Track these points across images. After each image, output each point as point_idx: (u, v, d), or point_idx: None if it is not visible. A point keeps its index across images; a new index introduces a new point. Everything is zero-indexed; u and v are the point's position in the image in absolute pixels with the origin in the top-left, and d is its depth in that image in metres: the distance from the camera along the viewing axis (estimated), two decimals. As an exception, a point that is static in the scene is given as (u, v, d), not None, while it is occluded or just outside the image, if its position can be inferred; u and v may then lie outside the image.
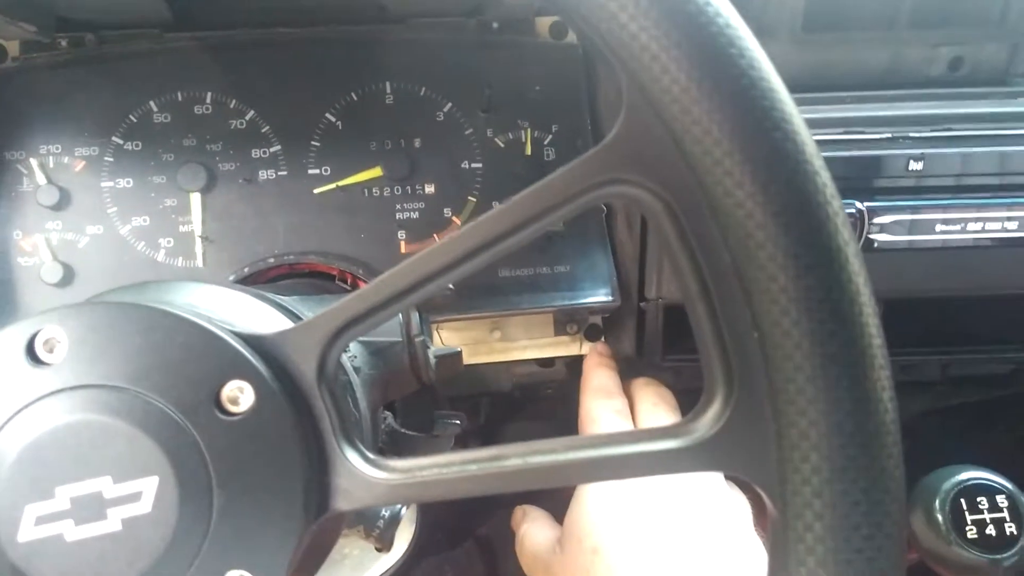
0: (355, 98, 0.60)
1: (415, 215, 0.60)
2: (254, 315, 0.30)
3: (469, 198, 0.61)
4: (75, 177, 0.58)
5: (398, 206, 0.60)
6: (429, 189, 0.61)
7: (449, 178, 0.61)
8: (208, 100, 0.59)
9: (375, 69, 0.61)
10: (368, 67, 0.61)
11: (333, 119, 0.60)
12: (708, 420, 0.24)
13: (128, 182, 0.58)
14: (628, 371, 0.62)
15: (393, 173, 0.60)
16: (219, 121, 0.59)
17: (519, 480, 0.25)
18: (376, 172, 0.60)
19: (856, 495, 0.22)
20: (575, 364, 0.63)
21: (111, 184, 0.58)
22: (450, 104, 0.61)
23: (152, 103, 0.59)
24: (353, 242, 0.60)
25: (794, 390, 0.22)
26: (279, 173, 0.59)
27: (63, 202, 0.57)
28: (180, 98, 0.59)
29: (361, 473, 0.26)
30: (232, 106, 0.59)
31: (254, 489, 0.25)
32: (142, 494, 0.24)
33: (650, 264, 0.55)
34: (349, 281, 0.59)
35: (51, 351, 0.25)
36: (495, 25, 0.62)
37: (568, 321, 0.62)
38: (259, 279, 0.58)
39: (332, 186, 0.60)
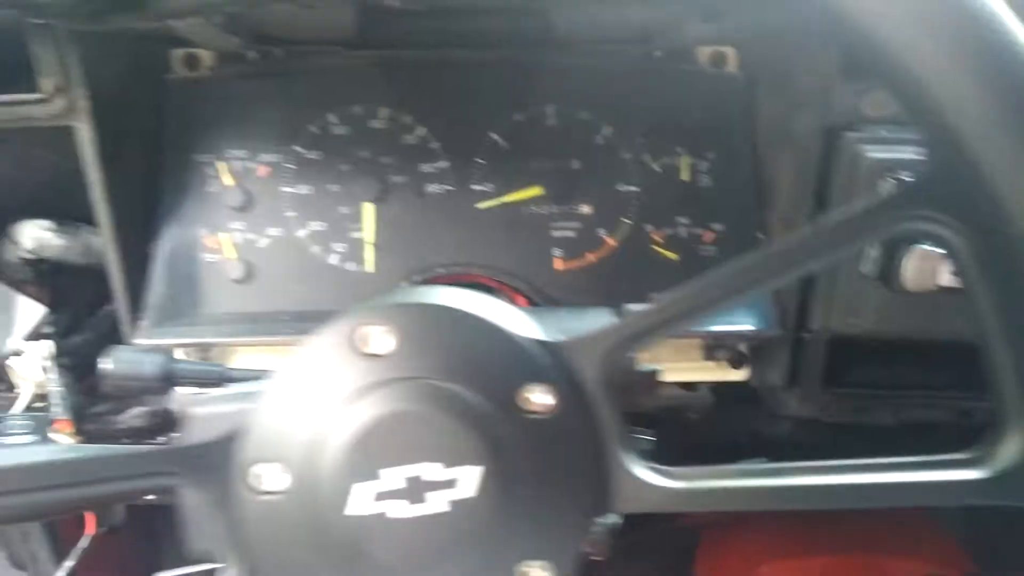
0: (520, 119, 0.63)
1: (571, 234, 0.62)
2: (529, 323, 0.32)
3: (623, 219, 0.62)
4: (259, 181, 0.61)
5: (554, 224, 0.62)
6: (585, 209, 0.62)
7: (605, 199, 0.62)
8: (383, 115, 0.62)
9: (540, 93, 0.63)
10: (533, 90, 0.63)
11: (498, 138, 0.62)
12: (1010, 451, 0.25)
13: (307, 189, 0.61)
14: (773, 401, 0.62)
15: (553, 192, 0.62)
16: (392, 136, 0.62)
17: (801, 498, 0.26)
18: (537, 191, 0.62)
19: None
20: (721, 390, 0.64)
21: (291, 190, 0.61)
22: (610, 128, 0.63)
23: (332, 116, 0.62)
24: (511, 257, 0.62)
25: None
26: (446, 187, 0.62)
27: (247, 204, 0.61)
28: (358, 112, 0.62)
29: (641, 478, 0.27)
30: (405, 122, 0.62)
31: (553, 484, 0.26)
32: (467, 481, 0.26)
33: (817, 294, 0.55)
34: (508, 294, 0.61)
35: (379, 344, 0.27)
36: (657, 53, 0.64)
37: (717, 347, 0.62)
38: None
39: (495, 202, 0.62)
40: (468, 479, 0.26)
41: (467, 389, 0.27)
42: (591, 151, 0.63)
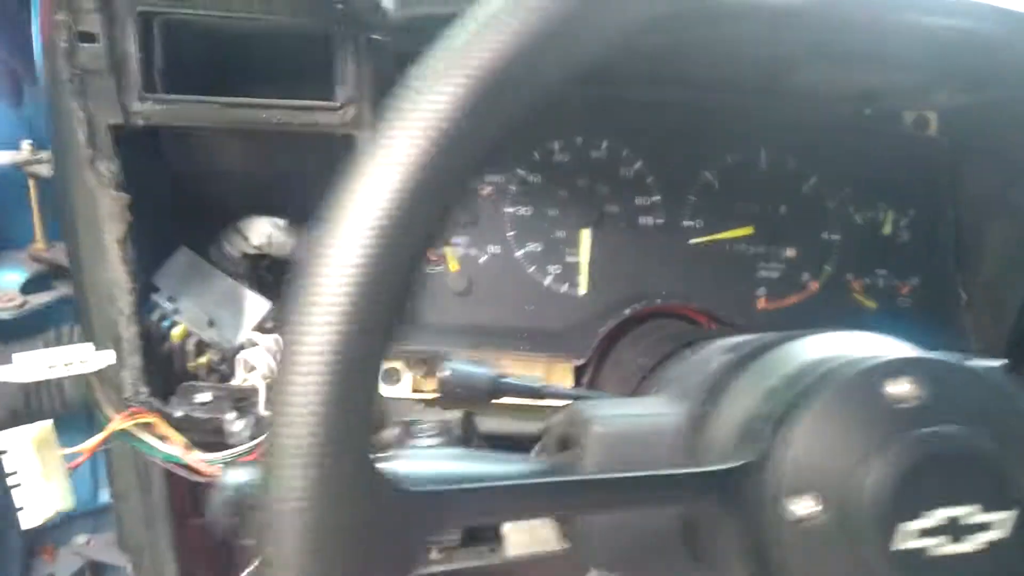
0: (732, 161, 0.65)
1: (775, 275, 0.65)
2: None
3: (826, 267, 0.65)
4: (483, 200, 0.64)
5: (761, 265, 0.65)
6: (790, 253, 0.65)
7: (809, 245, 0.65)
8: (603, 147, 0.65)
9: (753, 138, 0.66)
10: (748, 135, 0.66)
11: (710, 177, 0.65)
12: None
13: (527, 211, 0.64)
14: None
15: (761, 234, 0.64)
16: (611, 167, 0.65)
17: None
18: (747, 230, 0.65)
19: None
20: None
21: (512, 211, 0.64)
22: (816, 178, 0.66)
23: (555, 144, 0.65)
24: (717, 292, 0.64)
25: None
26: (657, 221, 0.64)
27: (471, 221, 0.63)
28: (579, 142, 0.65)
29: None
30: (624, 155, 0.65)
31: None
32: (1002, 522, 0.29)
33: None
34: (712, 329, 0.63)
35: (904, 394, 0.30)
36: (867, 111, 0.67)
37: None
38: (640, 313, 0.63)
39: (707, 239, 0.64)
40: (1003, 521, 0.29)
41: (992, 440, 0.30)
42: (798, 198, 0.65)
